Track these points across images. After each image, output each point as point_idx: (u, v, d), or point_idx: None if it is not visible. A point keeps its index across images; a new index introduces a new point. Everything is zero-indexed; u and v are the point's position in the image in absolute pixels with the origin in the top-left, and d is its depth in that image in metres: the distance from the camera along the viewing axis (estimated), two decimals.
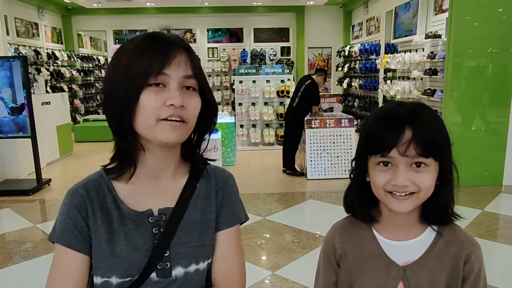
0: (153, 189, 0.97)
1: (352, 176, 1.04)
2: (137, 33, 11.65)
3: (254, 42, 12.09)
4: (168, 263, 0.92)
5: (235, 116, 8.27)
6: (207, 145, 1.03)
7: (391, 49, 8.73)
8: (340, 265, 1.04)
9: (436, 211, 0.97)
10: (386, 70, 8.62)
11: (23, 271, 3.39)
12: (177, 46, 0.89)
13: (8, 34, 8.52)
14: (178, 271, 0.93)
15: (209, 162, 1.06)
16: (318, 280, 1.10)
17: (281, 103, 8.36)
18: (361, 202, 1.02)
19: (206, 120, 0.97)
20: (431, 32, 6.68)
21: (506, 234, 4.01)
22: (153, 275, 0.91)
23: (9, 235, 4.18)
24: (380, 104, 8.82)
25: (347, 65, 10.97)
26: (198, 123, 0.94)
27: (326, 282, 1.06)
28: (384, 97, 8.61)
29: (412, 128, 0.88)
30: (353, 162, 1.02)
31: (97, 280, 0.90)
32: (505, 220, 4.40)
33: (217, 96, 11.27)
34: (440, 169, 0.93)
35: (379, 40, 9.56)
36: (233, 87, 9.11)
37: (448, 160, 0.94)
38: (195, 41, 11.86)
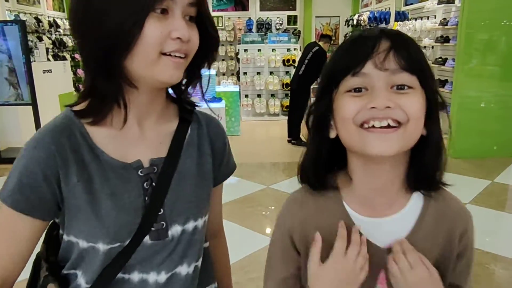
0: (138, 136, 0.81)
1: (309, 129, 0.80)
2: None
3: (260, 10, 11.79)
4: (163, 223, 0.80)
5: (239, 86, 8.12)
6: (208, 83, 0.88)
7: (401, 17, 8.49)
8: (302, 252, 0.80)
9: (424, 170, 0.74)
10: None
11: None
12: None
13: (7, 0, 8.33)
14: (175, 230, 0.82)
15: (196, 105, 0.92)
16: (271, 273, 0.84)
17: (287, 73, 8.17)
18: (320, 165, 0.78)
19: (204, 55, 0.82)
20: None
21: None
22: (147, 238, 0.78)
23: None
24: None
25: None
26: (193, 58, 0.79)
27: (285, 275, 0.82)
28: None
29: (389, 39, 0.69)
30: (311, 111, 0.79)
31: (83, 244, 0.76)
32: None
33: (222, 66, 11.08)
34: (427, 103, 0.71)
35: (389, 8, 9.27)
36: (238, 56, 8.93)
37: (434, 94, 0.73)
38: None
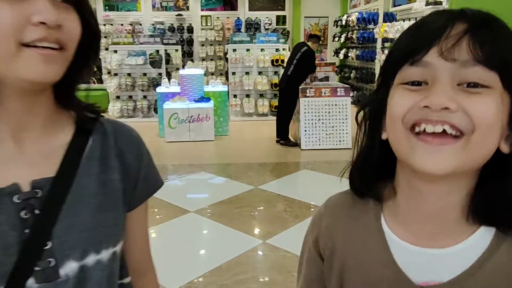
0: (13, 154, 0.65)
1: (360, 125, 0.66)
2: (127, 0, 11.34)
3: (249, 10, 11.75)
4: (51, 259, 0.63)
5: (228, 85, 8.08)
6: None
7: (389, 18, 8.52)
8: (325, 258, 0.69)
9: (507, 198, 0.55)
10: (384, 40, 8.41)
11: None
12: None
13: None
14: (69, 267, 0.65)
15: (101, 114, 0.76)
16: (300, 275, 0.76)
17: (276, 73, 8.15)
18: (369, 170, 0.65)
19: (87, 47, 0.67)
20: None
21: None
22: (31, 281, 0.62)
23: None
24: (378, 76, 8.66)
25: (344, 35, 10.72)
26: (76, 52, 0.65)
27: (310, 278, 0.73)
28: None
29: (468, 20, 0.52)
30: (363, 104, 0.65)
31: None
32: None
33: (211, 66, 11.01)
34: None
35: (378, 9, 9.31)
36: (227, 56, 8.88)
37: None
38: (187, 8, 11.49)
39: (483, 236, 0.57)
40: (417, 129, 0.53)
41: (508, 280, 0.55)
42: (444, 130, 0.51)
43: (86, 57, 0.68)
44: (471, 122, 0.50)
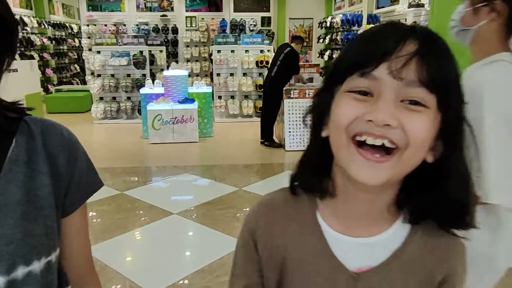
0: None
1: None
2: (111, 0, 11.23)
3: (234, 11, 11.74)
4: None
5: (213, 87, 8.05)
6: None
7: (373, 20, 8.61)
8: (264, 259, 0.71)
9: (447, 206, 0.62)
10: None
11: None
12: None
13: None
14: None
15: (27, 112, 0.71)
16: (234, 280, 0.75)
17: (260, 74, 8.15)
18: (309, 167, 0.69)
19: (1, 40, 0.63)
20: (414, 1, 6.55)
21: None
22: None
23: None
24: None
25: (329, 36, 10.79)
26: None
27: (247, 283, 0.73)
28: None
29: (418, 42, 0.56)
30: (310, 107, 0.67)
31: None
32: None
33: (196, 67, 10.97)
34: (445, 126, 0.58)
35: (362, 11, 9.40)
36: (212, 57, 8.85)
37: (459, 113, 0.59)
38: (172, 9, 11.43)
39: (403, 225, 0.66)
40: (358, 138, 0.57)
41: (423, 259, 0.65)
42: (382, 144, 0.56)
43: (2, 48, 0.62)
44: (407, 138, 0.55)
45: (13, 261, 0.61)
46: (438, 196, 0.62)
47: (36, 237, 0.65)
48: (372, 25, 7.80)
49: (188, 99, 6.61)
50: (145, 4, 11.36)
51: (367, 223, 0.66)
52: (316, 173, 0.67)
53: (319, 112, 0.64)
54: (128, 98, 8.12)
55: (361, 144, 0.57)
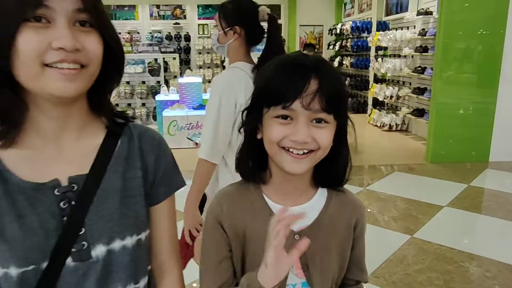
0: (55, 154, 0.77)
1: (240, 131, 0.94)
2: (125, 8, 11.51)
3: None
4: (84, 243, 0.75)
5: None
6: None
7: (382, 26, 8.71)
8: (231, 236, 0.91)
9: (332, 173, 0.92)
10: (378, 48, 8.61)
11: None
12: None
13: None
14: (99, 250, 0.77)
15: (130, 119, 0.88)
16: (207, 259, 0.93)
17: None
18: (252, 162, 0.93)
19: (110, 67, 0.78)
20: (423, 9, 6.66)
21: (489, 207, 4.11)
22: (69, 260, 0.74)
23: None
24: (372, 83, 8.84)
25: (339, 43, 10.92)
26: (103, 68, 0.76)
27: (219, 259, 0.91)
28: (375, 75, 8.62)
29: (318, 79, 0.80)
30: (243, 115, 0.92)
31: None
32: (490, 194, 4.50)
33: (208, 74, 11.18)
34: (338, 129, 0.87)
35: (371, 18, 9.51)
36: (224, 64, 9.01)
37: (345, 118, 0.89)
38: (185, 17, 11.67)
39: (320, 195, 0.95)
40: (286, 148, 0.84)
41: (340, 211, 0.95)
42: (303, 152, 0.83)
43: (111, 72, 0.79)
44: (318, 145, 0.83)
45: (111, 236, 0.78)
46: (333, 168, 0.92)
47: (129, 219, 0.81)
48: (381, 32, 7.92)
49: (202, 105, 6.78)
50: (158, 12, 11.62)
51: (297, 196, 0.93)
52: (257, 165, 0.93)
53: (254, 125, 0.89)
54: (143, 104, 8.31)
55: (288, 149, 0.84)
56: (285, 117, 0.82)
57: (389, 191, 4.47)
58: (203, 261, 0.94)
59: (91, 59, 0.72)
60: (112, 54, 0.77)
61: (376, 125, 7.95)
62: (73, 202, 0.76)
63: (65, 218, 0.75)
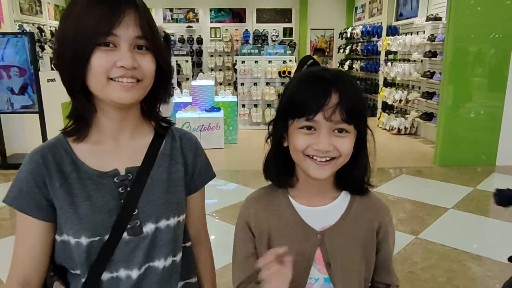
0: (114, 149, 0.96)
1: (268, 141, 1.02)
2: None
3: (257, 22, 12.09)
4: (138, 221, 0.93)
5: (237, 96, 8.37)
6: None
7: (392, 31, 8.79)
8: (256, 236, 1.02)
9: (353, 178, 0.99)
10: (387, 52, 8.68)
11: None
12: (125, 4, 0.85)
13: (12, 11, 8.56)
14: (149, 227, 0.94)
15: (173, 124, 1.07)
16: (236, 254, 1.06)
17: (283, 84, 8.41)
18: (278, 168, 1.01)
19: (160, 82, 0.96)
20: (432, 14, 6.75)
21: (494, 209, 4.18)
22: (125, 234, 0.92)
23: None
24: (381, 87, 8.92)
25: (349, 47, 11.02)
26: (155, 83, 0.93)
27: (246, 254, 1.03)
28: (384, 79, 8.71)
29: (338, 92, 0.88)
30: (270, 126, 1.01)
31: (71, 240, 0.90)
32: None
33: (219, 76, 11.35)
34: (358, 137, 0.94)
35: (381, 22, 9.59)
36: (235, 67, 9.16)
37: (365, 128, 0.96)
38: (197, 20, 11.87)
39: (344, 197, 1.02)
40: (310, 156, 0.92)
41: (363, 214, 1.00)
42: (326, 159, 0.91)
43: (160, 86, 0.97)
44: (339, 153, 0.91)
45: (158, 216, 0.96)
46: (354, 173, 0.98)
47: (172, 204, 0.99)
48: (391, 37, 8.00)
49: (215, 108, 6.94)
50: (171, 15, 11.83)
51: (321, 197, 1.00)
52: (284, 170, 1.01)
53: (279, 135, 0.98)
54: None
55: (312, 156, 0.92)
56: (308, 128, 0.90)
57: (397, 193, 4.57)
58: (234, 255, 1.07)
59: (145, 75, 0.89)
60: (162, 72, 0.95)
61: (385, 129, 8.04)
62: (128, 188, 0.94)
63: (122, 201, 0.93)
